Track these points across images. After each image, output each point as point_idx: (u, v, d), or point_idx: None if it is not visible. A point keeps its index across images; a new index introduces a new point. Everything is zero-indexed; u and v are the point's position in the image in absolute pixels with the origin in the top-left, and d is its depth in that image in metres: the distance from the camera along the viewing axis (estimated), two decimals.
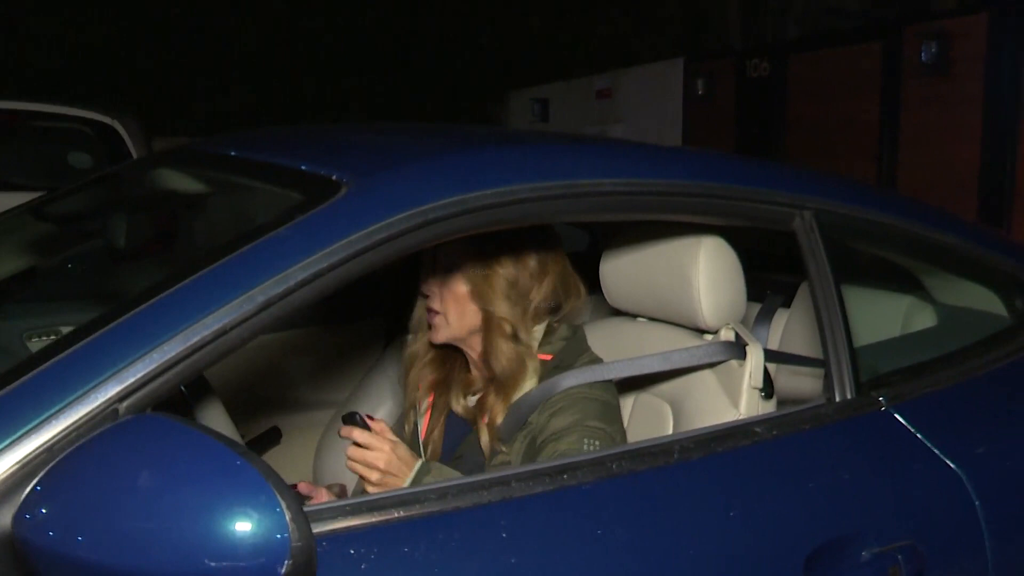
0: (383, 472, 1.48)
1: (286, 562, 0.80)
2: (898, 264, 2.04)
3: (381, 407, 2.46)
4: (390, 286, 2.80)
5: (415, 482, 1.49)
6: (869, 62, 5.84)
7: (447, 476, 1.52)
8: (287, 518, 0.81)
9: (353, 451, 1.50)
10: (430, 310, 1.73)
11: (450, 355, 1.82)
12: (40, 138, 4.70)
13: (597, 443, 1.57)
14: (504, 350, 1.66)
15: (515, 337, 1.67)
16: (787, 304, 2.37)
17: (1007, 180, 5.13)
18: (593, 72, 8.53)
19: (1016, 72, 4.98)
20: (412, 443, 1.82)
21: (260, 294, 1.17)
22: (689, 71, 7.39)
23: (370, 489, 1.51)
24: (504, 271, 1.68)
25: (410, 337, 1.86)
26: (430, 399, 1.82)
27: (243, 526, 0.80)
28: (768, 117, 6.57)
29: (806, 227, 1.65)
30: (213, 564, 0.79)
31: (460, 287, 1.68)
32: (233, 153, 1.68)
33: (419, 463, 1.52)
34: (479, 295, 1.67)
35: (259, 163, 1.59)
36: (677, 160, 1.76)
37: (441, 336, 1.72)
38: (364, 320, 2.79)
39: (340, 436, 1.50)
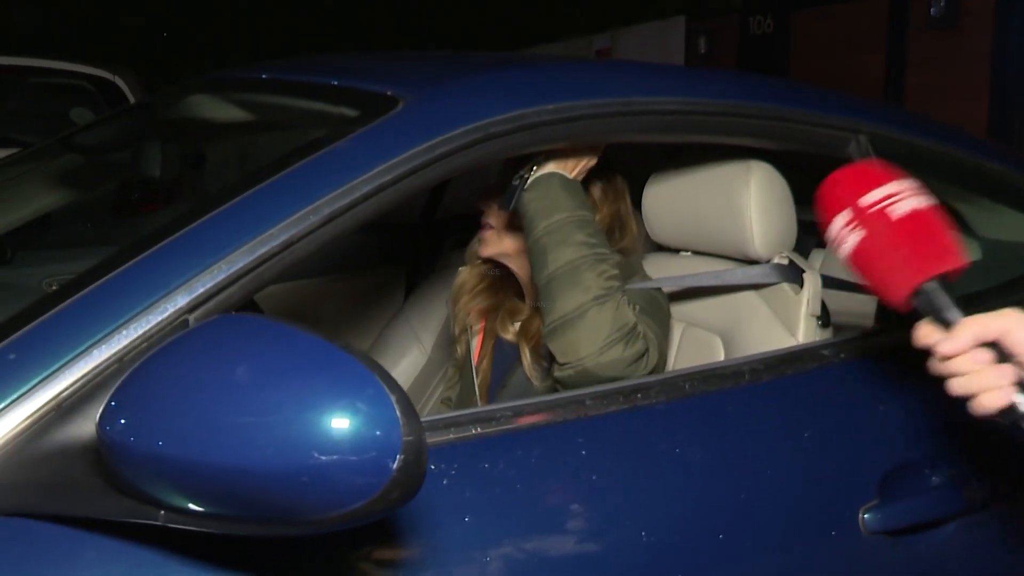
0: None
1: (398, 457, 0.76)
2: (947, 196, 2.00)
3: (404, 357, 2.41)
4: (411, 232, 2.76)
5: None
6: (875, 16, 5.77)
7: None
8: (397, 412, 0.77)
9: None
10: (484, 225, 1.69)
11: (502, 284, 1.79)
12: (41, 94, 4.63)
13: (639, 307, 1.45)
14: None
15: None
16: (821, 245, 2.33)
17: (1015, 140, 5.06)
18: (592, 31, 8.43)
19: None
20: (465, 366, 1.80)
21: (326, 206, 1.13)
22: (691, 29, 7.31)
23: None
24: None
25: (463, 268, 1.83)
26: (482, 324, 1.80)
27: (352, 420, 0.76)
28: (771, 75, 6.49)
29: (861, 151, 1.61)
30: (323, 458, 0.75)
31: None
32: (265, 76, 1.62)
33: None
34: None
35: (305, 83, 1.53)
36: (732, 81, 1.71)
37: (490, 249, 1.67)
38: (384, 267, 2.73)
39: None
